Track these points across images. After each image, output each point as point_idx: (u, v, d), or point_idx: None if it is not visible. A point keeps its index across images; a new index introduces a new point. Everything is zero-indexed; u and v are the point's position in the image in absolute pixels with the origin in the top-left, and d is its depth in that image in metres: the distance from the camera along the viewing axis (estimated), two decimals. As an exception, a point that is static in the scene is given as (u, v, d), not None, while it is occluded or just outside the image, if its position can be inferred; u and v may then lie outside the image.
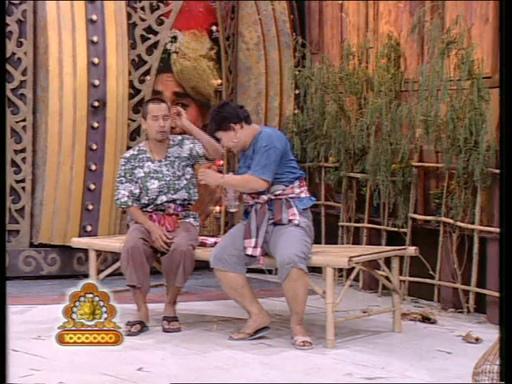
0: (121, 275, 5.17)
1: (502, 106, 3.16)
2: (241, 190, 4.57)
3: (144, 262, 4.72)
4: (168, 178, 4.90)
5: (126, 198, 4.90)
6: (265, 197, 4.56)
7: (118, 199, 4.94)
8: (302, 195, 4.60)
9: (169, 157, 4.93)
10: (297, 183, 4.59)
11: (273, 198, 4.56)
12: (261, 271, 5.88)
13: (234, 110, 4.63)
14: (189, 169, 4.96)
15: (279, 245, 4.45)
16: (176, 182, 4.91)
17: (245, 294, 4.56)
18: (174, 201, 4.91)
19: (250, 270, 4.70)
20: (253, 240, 4.52)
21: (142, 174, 4.91)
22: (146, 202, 4.92)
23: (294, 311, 4.49)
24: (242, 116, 4.60)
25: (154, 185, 4.88)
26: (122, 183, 4.93)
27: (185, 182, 4.93)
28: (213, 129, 4.65)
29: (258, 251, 4.50)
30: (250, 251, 4.51)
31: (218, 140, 4.75)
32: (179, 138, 5.01)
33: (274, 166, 4.49)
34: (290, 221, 4.51)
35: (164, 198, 4.90)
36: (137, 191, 4.91)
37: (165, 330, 4.76)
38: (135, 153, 4.97)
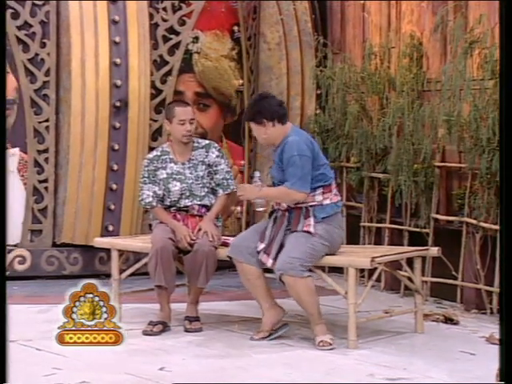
0: (142, 275, 5.20)
1: (502, 105, 3.14)
2: (280, 201, 4.56)
3: (172, 262, 4.73)
4: (190, 181, 4.89)
5: (150, 199, 4.91)
6: (285, 205, 4.56)
7: (142, 200, 4.95)
8: (326, 202, 4.53)
9: (193, 160, 4.92)
10: (319, 191, 4.52)
11: (293, 206, 4.53)
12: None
13: (271, 106, 4.57)
14: (212, 175, 4.94)
15: (281, 252, 4.48)
16: (198, 186, 4.90)
17: (258, 285, 4.57)
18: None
19: (269, 271, 4.69)
20: (263, 245, 4.52)
21: (165, 176, 4.91)
22: (169, 203, 4.93)
23: (308, 313, 4.50)
24: (276, 115, 4.54)
25: (175, 187, 4.88)
26: (145, 184, 4.94)
27: (207, 187, 4.92)
28: (246, 118, 4.75)
29: (270, 261, 4.50)
30: (260, 256, 4.53)
31: (243, 132, 4.77)
32: (206, 142, 4.99)
33: (309, 176, 4.46)
34: (304, 231, 4.48)
35: (187, 202, 4.90)
36: (160, 192, 4.92)
37: (186, 330, 4.77)
38: (158, 154, 4.97)
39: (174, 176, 4.90)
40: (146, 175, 4.94)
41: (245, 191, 4.65)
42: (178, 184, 4.89)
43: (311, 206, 4.51)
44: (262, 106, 4.58)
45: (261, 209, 4.67)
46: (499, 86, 3.14)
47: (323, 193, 4.54)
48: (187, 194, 4.90)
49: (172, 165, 4.92)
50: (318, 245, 4.48)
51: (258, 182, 4.60)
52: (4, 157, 3.41)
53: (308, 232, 4.47)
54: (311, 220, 4.49)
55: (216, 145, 5.00)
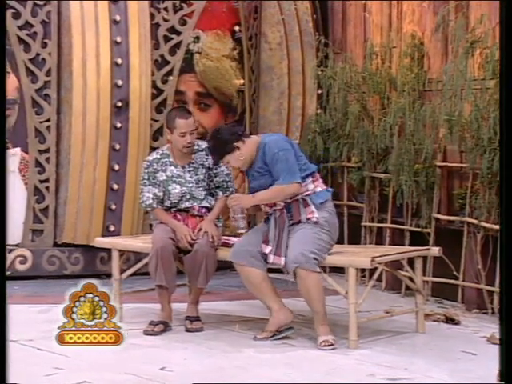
0: (143, 275, 5.20)
1: (502, 104, 3.14)
2: (276, 200, 4.56)
3: (172, 262, 4.73)
4: (190, 185, 4.88)
5: (150, 201, 4.91)
6: (281, 203, 4.56)
7: (142, 202, 4.94)
8: (318, 189, 4.60)
9: (193, 163, 4.91)
10: (309, 180, 4.59)
11: (289, 201, 4.55)
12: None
13: (230, 130, 4.66)
14: (211, 177, 4.93)
15: (290, 244, 4.48)
16: (199, 189, 4.89)
17: (264, 289, 4.56)
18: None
19: (273, 270, 4.70)
20: (269, 247, 4.53)
21: (165, 178, 4.90)
22: (169, 205, 4.92)
23: (313, 310, 4.50)
24: (240, 132, 4.64)
25: (175, 189, 4.88)
26: (145, 186, 4.93)
27: (207, 190, 4.91)
28: (219, 157, 4.62)
29: (282, 260, 4.49)
30: (271, 259, 4.52)
31: (217, 164, 4.74)
32: (206, 144, 4.99)
33: (296, 166, 4.51)
34: (308, 219, 4.51)
35: (187, 204, 4.90)
36: (160, 194, 4.91)
37: (187, 330, 4.77)
38: (158, 156, 4.96)
39: (174, 179, 4.90)
40: (146, 177, 4.94)
41: (239, 200, 4.65)
42: (178, 187, 4.88)
43: (306, 195, 4.55)
44: (223, 135, 4.59)
45: (242, 230, 4.65)
46: (499, 85, 3.14)
47: (313, 181, 4.60)
48: (187, 196, 4.89)
49: (172, 168, 4.91)
50: (323, 235, 4.50)
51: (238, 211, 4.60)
52: (4, 157, 3.41)
53: (311, 219, 4.48)
54: (312, 207, 4.53)
55: None
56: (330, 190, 4.71)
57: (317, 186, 4.60)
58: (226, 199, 4.91)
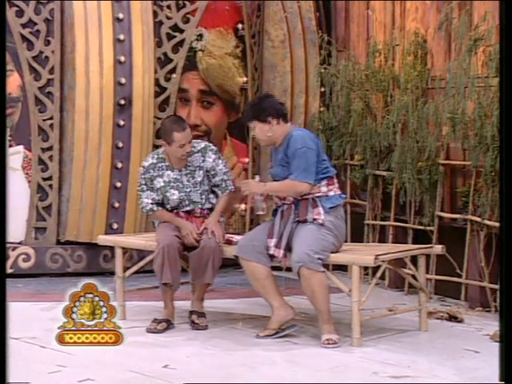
0: (146, 272, 5.20)
1: (502, 102, 3.14)
2: (285, 194, 4.58)
3: (178, 259, 4.73)
4: (188, 189, 4.86)
5: (150, 206, 4.89)
6: (291, 198, 4.57)
7: (143, 207, 4.93)
8: (331, 194, 4.59)
9: (189, 166, 4.88)
10: (324, 182, 4.58)
11: (299, 198, 4.56)
12: (287, 268, 5.88)
13: (275, 104, 4.66)
14: (210, 178, 4.92)
15: (294, 243, 4.49)
16: (197, 193, 4.87)
17: (267, 285, 4.56)
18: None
19: (276, 268, 4.70)
20: (273, 240, 4.54)
21: (162, 184, 4.87)
22: (169, 209, 4.91)
23: (317, 309, 4.50)
24: (281, 112, 4.62)
25: (174, 196, 4.85)
26: (143, 191, 4.91)
27: (207, 192, 4.90)
28: (249, 117, 4.63)
29: (281, 253, 4.51)
30: (272, 251, 4.53)
31: (247, 129, 4.72)
32: (202, 145, 4.92)
33: (313, 167, 4.51)
34: (314, 219, 4.51)
35: (187, 208, 4.89)
36: (159, 197, 4.89)
37: (193, 324, 4.76)
38: (154, 161, 4.90)
39: (172, 184, 4.86)
40: (144, 182, 4.91)
41: (249, 186, 4.66)
42: (176, 192, 4.86)
43: (317, 196, 4.55)
44: (267, 104, 4.62)
45: (261, 212, 4.67)
46: (499, 83, 3.13)
47: (328, 185, 4.60)
48: (186, 202, 4.88)
49: (169, 172, 4.88)
50: (329, 237, 4.51)
51: None
52: (4, 156, 3.40)
53: (317, 221, 4.48)
54: (320, 209, 4.53)
55: (212, 147, 4.94)
56: (344, 196, 4.70)
57: (330, 189, 4.59)
58: (227, 197, 4.90)
